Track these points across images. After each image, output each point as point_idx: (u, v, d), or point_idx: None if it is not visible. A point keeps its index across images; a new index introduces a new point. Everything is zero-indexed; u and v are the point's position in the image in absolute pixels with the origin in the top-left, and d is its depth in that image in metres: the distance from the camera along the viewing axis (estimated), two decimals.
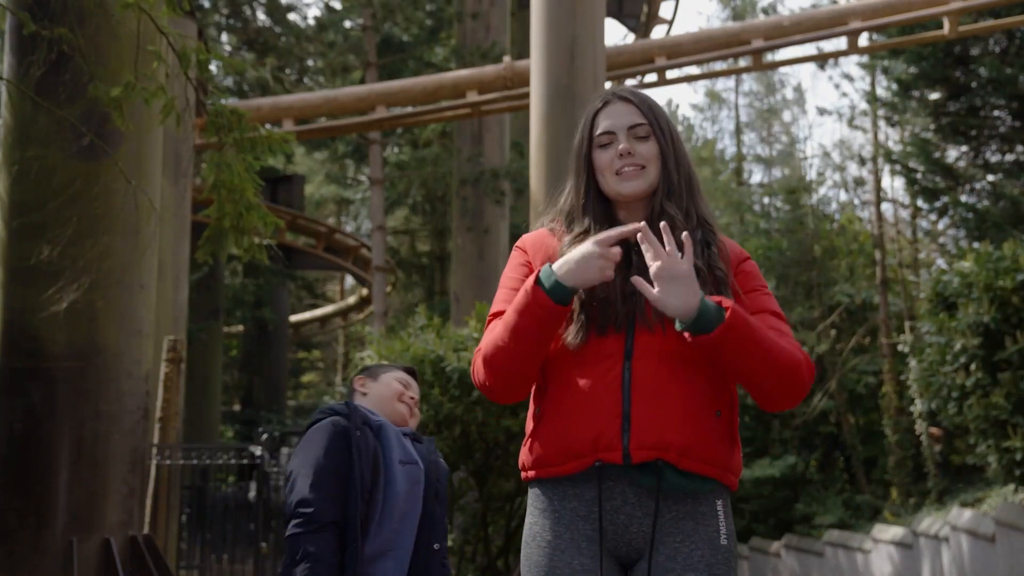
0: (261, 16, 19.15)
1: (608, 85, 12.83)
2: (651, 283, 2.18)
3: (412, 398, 3.14)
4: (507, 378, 2.27)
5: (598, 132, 2.36)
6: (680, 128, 34.59)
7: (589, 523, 2.23)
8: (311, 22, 19.70)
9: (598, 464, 2.19)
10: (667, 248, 2.14)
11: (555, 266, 2.18)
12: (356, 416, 2.89)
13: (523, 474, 2.34)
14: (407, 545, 2.86)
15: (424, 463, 2.97)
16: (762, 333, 2.19)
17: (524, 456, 2.33)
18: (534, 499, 2.31)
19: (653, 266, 2.13)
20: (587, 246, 2.15)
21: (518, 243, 2.47)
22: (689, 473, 2.20)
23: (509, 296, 2.36)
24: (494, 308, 2.39)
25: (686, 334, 2.16)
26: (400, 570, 2.83)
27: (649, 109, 2.37)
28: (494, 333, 2.27)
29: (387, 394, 3.08)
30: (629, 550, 2.24)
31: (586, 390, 2.22)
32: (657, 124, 2.36)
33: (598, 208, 2.36)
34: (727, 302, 2.15)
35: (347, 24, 20.44)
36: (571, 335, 2.25)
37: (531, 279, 2.20)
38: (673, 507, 2.22)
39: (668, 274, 2.12)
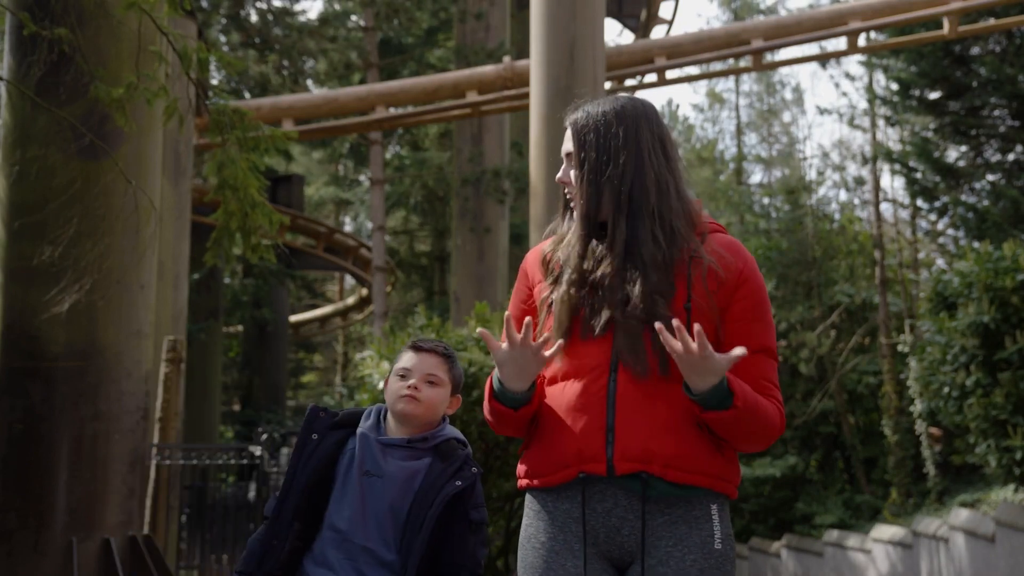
0: (256, 17, 19.14)
1: (608, 85, 12.83)
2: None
3: (410, 387, 2.77)
4: (507, 432, 2.41)
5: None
6: (680, 128, 34.57)
7: (582, 525, 2.25)
8: (312, 20, 19.65)
9: (582, 476, 2.22)
10: (692, 347, 2.11)
11: (503, 377, 2.28)
12: (319, 422, 2.81)
13: (519, 482, 2.38)
14: (361, 557, 2.67)
15: (423, 489, 2.68)
16: (756, 417, 2.22)
17: (519, 466, 2.39)
18: (530, 502, 2.36)
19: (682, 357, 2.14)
20: (500, 357, 2.25)
21: (523, 262, 2.51)
22: (678, 483, 2.22)
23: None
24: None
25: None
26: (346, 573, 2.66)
27: (580, 131, 2.36)
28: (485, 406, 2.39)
29: (387, 398, 2.83)
30: (622, 553, 2.25)
31: (572, 402, 2.25)
32: (582, 147, 2.34)
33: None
34: (739, 391, 2.17)
35: (349, 24, 20.44)
36: (556, 345, 2.27)
37: (488, 390, 2.34)
38: (665, 511, 2.23)
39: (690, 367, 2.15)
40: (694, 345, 2.08)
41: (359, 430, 2.79)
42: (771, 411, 2.25)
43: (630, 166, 2.31)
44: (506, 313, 2.30)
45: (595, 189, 2.31)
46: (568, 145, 2.38)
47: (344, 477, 2.74)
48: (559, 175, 2.40)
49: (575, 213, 2.36)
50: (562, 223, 2.42)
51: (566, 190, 2.40)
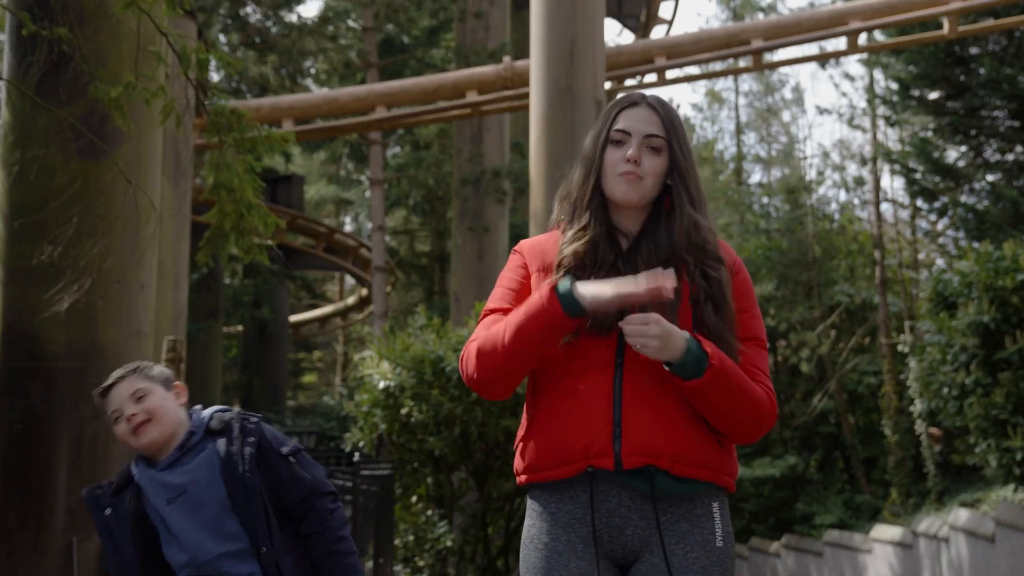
0: (257, 17, 19.14)
1: (608, 85, 12.83)
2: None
3: (130, 417, 2.70)
4: (496, 375, 2.28)
5: (616, 127, 2.36)
6: None
7: (585, 526, 2.25)
8: (312, 20, 19.65)
9: (590, 470, 2.21)
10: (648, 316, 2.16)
11: (580, 285, 2.19)
12: (100, 499, 2.75)
13: (518, 479, 2.36)
14: (219, 568, 2.67)
15: (225, 470, 2.67)
16: (740, 386, 2.23)
17: (517, 462, 2.35)
18: (532, 502, 2.34)
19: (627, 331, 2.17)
20: (611, 290, 2.16)
21: (516, 247, 2.48)
22: (682, 477, 2.22)
23: (504, 295, 2.39)
24: (489, 304, 2.41)
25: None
26: None
27: (671, 124, 2.36)
28: (495, 329, 2.28)
29: (127, 443, 2.76)
30: (625, 552, 2.26)
31: (578, 397, 2.24)
32: (677, 140, 2.35)
33: (599, 206, 2.37)
34: (712, 352, 2.19)
35: (348, 23, 20.44)
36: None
37: (548, 285, 2.21)
38: (668, 509, 2.24)
39: (641, 340, 2.16)
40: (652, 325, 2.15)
41: (136, 479, 2.75)
42: (756, 388, 2.27)
43: (696, 176, 2.39)
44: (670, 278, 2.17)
45: (690, 177, 2.35)
46: (653, 128, 2.34)
47: (160, 520, 2.71)
48: (631, 152, 2.31)
49: (619, 187, 2.33)
50: (582, 212, 2.37)
51: (625, 169, 2.32)
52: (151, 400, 2.74)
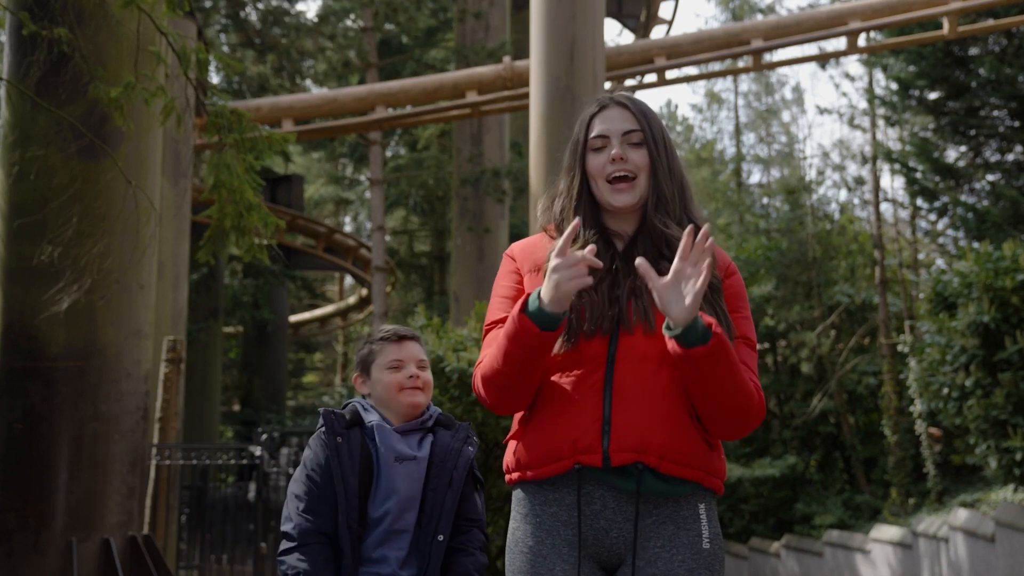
0: (254, 17, 19.15)
1: (608, 85, 12.82)
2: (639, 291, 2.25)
3: (412, 377, 2.85)
4: (505, 395, 2.30)
5: (592, 135, 2.37)
6: (679, 129, 34.63)
7: (570, 528, 2.23)
8: (311, 20, 19.65)
9: (577, 467, 2.20)
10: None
11: (541, 291, 2.18)
12: (336, 424, 2.82)
13: (506, 477, 2.36)
14: (405, 542, 2.75)
15: (437, 454, 2.81)
16: (736, 365, 2.21)
17: (508, 459, 2.36)
18: (517, 504, 2.33)
19: (672, 272, 2.14)
20: (551, 264, 2.14)
21: (507, 251, 2.49)
22: (669, 477, 2.21)
23: (501, 304, 2.40)
24: (489, 318, 2.42)
25: (670, 342, 2.17)
26: (398, 564, 2.75)
27: (643, 116, 2.38)
28: (490, 355, 2.30)
29: (385, 394, 2.86)
30: (610, 555, 2.25)
31: (568, 393, 2.24)
32: (650, 132, 2.36)
33: (589, 212, 2.37)
34: (716, 327, 2.17)
35: (347, 23, 20.45)
36: (559, 343, 2.26)
37: (518, 306, 2.21)
38: (654, 511, 2.22)
39: (676, 282, 2.14)
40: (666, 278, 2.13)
41: (373, 423, 2.84)
42: (747, 380, 2.24)
43: (676, 163, 2.40)
44: (575, 221, 2.19)
45: (667, 172, 2.36)
46: (629, 124, 2.36)
47: (378, 470, 2.78)
48: (615, 151, 2.33)
49: (617, 195, 2.32)
50: (570, 217, 2.37)
51: (613, 170, 2.33)
52: (427, 374, 2.90)
